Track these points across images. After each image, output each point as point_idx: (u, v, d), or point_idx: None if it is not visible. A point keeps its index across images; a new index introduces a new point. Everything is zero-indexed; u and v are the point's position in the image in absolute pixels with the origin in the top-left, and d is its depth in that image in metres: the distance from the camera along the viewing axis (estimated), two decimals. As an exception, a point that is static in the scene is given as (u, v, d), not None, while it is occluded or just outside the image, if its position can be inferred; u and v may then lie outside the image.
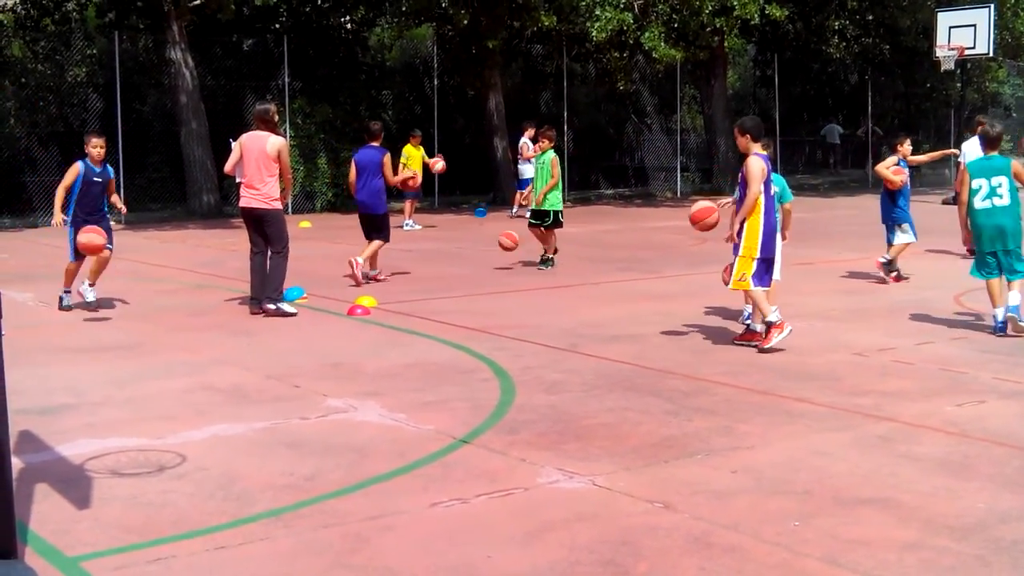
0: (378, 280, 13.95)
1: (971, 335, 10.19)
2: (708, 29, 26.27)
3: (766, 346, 9.50)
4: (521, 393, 8.16)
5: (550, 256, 15.11)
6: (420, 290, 13.20)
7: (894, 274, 13.43)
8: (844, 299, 12.21)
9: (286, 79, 25.53)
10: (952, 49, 26.13)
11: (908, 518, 5.51)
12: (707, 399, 7.93)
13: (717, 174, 30.12)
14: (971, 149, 16.07)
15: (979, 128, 14.52)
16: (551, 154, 15.03)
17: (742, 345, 9.77)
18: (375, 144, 14.10)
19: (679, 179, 31.23)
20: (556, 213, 15.04)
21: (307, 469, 6.37)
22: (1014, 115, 36.74)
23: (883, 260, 13.50)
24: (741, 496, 5.87)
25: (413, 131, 22.41)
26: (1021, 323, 10.07)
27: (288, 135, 23.87)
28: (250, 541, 5.29)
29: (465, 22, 24.94)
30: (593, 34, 25.45)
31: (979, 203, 10.25)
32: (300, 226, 21.35)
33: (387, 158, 13.94)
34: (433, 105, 27.79)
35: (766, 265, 9.62)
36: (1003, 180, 10.18)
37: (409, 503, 5.82)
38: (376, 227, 14.07)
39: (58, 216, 11.69)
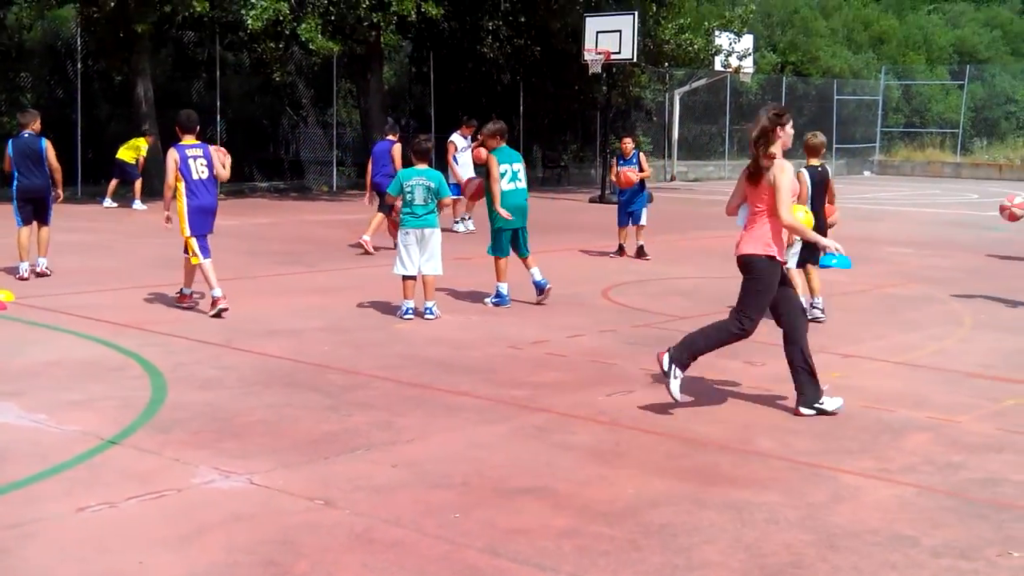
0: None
1: (619, 327, 10.62)
2: (365, 23, 26.25)
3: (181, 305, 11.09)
4: (174, 390, 7.84)
5: None
6: (64, 284, 12.48)
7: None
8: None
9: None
10: (599, 53, 27.19)
11: (564, 506, 5.65)
12: (366, 393, 7.88)
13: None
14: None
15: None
16: None
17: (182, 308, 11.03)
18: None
19: (335, 173, 31.06)
20: None
21: (-64, 477, 5.87)
22: (654, 119, 38.64)
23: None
24: (402, 490, 5.85)
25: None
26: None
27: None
28: None
29: (112, 4, 23.79)
30: (248, 23, 24.89)
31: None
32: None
33: None
34: (76, 89, 26.40)
35: (202, 241, 10.91)
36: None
37: (53, 509, 5.47)
38: None
39: None
